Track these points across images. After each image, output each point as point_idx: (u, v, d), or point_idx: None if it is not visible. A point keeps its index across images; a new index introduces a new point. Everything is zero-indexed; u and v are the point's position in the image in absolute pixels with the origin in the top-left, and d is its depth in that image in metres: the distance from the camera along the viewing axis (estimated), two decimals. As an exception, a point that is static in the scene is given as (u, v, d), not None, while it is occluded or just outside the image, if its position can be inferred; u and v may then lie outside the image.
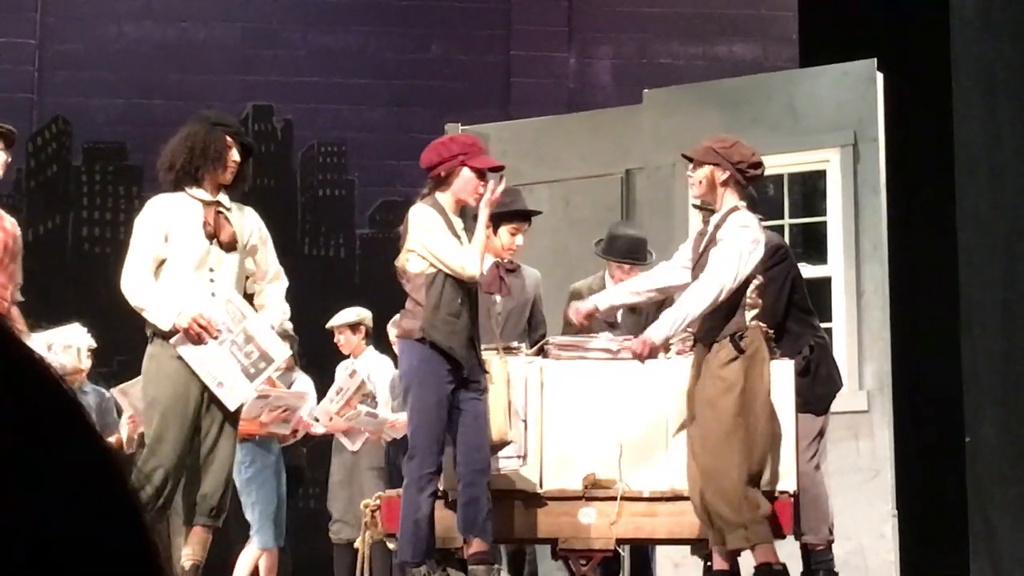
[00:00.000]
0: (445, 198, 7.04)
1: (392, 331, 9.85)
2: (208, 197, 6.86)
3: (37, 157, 13.93)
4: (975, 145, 8.25)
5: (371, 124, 14.16)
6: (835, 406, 7.73)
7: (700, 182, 7.01)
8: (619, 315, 8.18)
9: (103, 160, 14.05)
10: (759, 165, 7.04)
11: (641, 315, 8.10)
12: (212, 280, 6.80)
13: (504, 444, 7.22)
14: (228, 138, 6.89)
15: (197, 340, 6.62)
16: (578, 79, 14.49)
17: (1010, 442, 7.96)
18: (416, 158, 14.44)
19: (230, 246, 6.85)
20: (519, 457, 7.38)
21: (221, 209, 6.87)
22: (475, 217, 7.11)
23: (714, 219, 7.00)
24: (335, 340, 10.12)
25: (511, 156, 10.63)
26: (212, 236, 6.81)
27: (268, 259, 7.08)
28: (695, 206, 7.27)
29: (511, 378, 7.27)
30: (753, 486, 6.75)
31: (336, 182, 14.27)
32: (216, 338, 6.65)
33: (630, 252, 8.24)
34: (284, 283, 7.11)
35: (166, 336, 6.67)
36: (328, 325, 10.07)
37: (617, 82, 14.24)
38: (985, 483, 8.06)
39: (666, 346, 7.28)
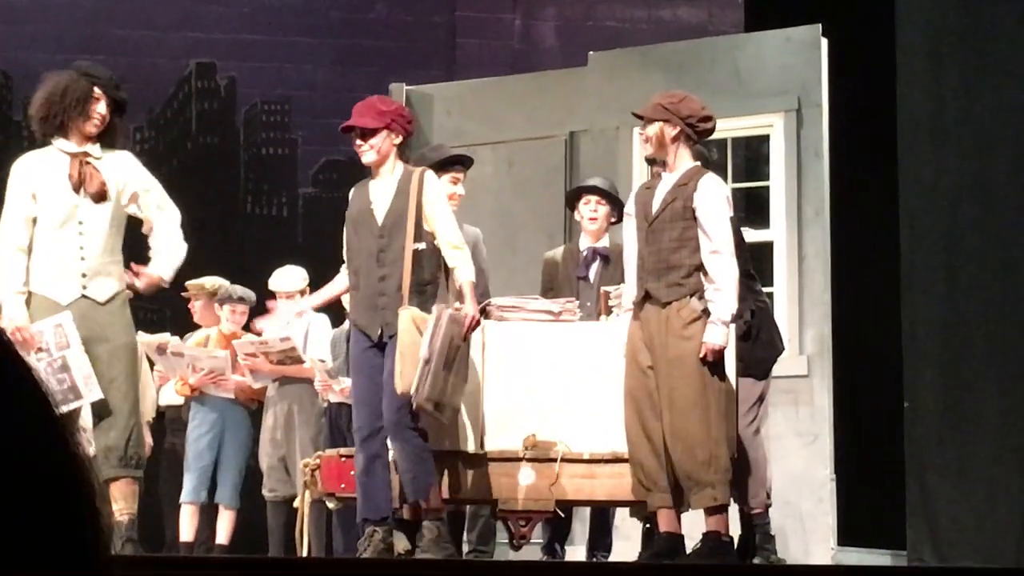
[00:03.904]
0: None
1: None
2: (75, 148, 6.75)
3: (-24, 112, 13.80)
4: (918, 111, 8.28)
5: (315, 83, 14.07)
6: (775, 371, 7.75)
7: (650, 139, 6.98)
8: (592, 269, 8.16)
9: (43, 115, 13.91)
10: (709, 119, 7.01)
11: (613, 268, 8.07)
12: (81, 234, 6.70)
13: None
14: (96, 89, 6.77)
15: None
16: (523, 40, 14.44)
17: (948, 407, 8.01)
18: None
19: (99, 196, 6.72)
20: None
21: (89, 160, 6.76)
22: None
23: (672, 177, 6.96)
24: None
25: (455, 117, 10.59)
26: (78, 187, 6.70)
27: (154, 203, 6.92)
28: (647, 159, 7.22)
29: (420, 327, 6.99)
30: (722, 446, 6.77)
31: (279, 140, 14.19)
32: (37, 353, 6.54)
33: (592, 186, 8.26)
34: (173, 219, 6.96)
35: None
36: (272, 288, 9.96)
37: (562, 44, 14.20)
38: (923, 448, 8.11)
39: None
